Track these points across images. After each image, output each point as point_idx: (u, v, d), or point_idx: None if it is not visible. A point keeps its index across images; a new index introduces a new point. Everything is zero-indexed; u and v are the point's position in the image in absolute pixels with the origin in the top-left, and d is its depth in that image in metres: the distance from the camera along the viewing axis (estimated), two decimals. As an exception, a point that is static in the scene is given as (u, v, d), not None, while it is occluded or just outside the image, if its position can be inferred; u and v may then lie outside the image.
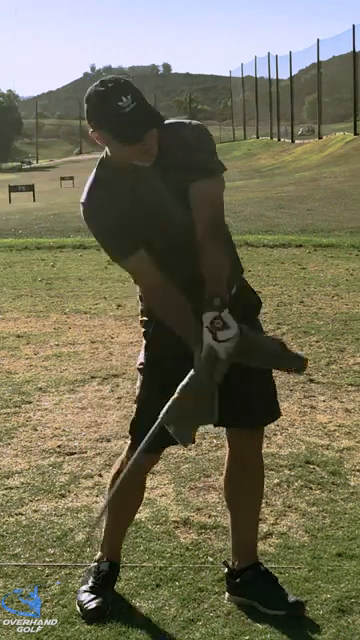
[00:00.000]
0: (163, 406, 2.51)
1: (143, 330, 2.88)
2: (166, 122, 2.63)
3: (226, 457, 3.00)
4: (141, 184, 2.63)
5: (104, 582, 2.94)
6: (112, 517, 3.01)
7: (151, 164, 2.58)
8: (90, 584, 2.94)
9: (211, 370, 2.58)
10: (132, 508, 3.06)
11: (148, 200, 2.64)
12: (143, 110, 2.46)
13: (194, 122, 2.70)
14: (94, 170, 2.70)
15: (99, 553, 3.04)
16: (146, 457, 2.73)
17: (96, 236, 2.71)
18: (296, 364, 2.65)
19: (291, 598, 2.83)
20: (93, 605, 2.84)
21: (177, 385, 2.54)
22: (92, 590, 2.91)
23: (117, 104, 2.44)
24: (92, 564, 3.03)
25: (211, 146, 2.68)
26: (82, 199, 2.68)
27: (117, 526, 3.03)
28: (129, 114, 2.44)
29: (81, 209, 2.68)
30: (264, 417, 2.93)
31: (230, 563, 2.99)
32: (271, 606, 2.83)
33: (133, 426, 2.87)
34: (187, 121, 2.69)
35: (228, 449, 2.97)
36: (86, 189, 2.69)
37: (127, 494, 2.89)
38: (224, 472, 3.03)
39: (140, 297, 2.87)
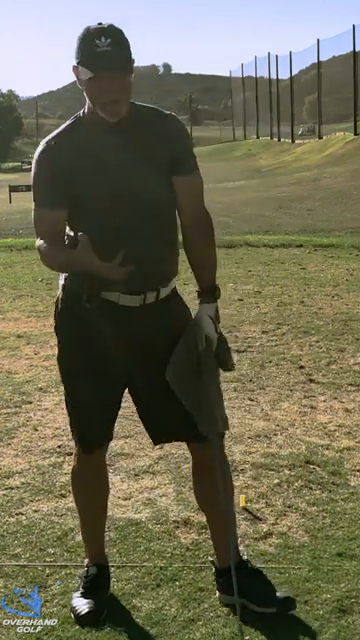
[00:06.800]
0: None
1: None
2: (139, 103, 2.74)
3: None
4: (110, 145, 2.66)
5: (94, 586, 2.92)
6: (85, 520, 3.03)
7: (123, 130, 2.64)
8: (81, 590, 2.93)
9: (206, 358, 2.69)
10: (103, 505, 3.05)
11: (111, 162, 2.66)
12: (117, 55, 2.52)
13: (173, 115, 2.79)
14: (70, 120, 2.74)
15: (87, 559, 3.05)
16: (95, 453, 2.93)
17: (36, 175, 2.70)
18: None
19: (281, 594, 2.83)
20: (85, 610, 2.82)
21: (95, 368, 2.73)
22: (83, 595, 2.90)
23: (95, 42, 2.51)
24: (83, 569, 3.03)
25: (191, 142, 2.84)
26: (48, 139, 2.71)
27: (93, 527, 3.04)
28: (102, 52, 2.51)
29: (41, 147, 2.70)
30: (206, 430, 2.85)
31: (216, 562, 2.99)
32: (261, 604, 2.81)
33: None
34: (167, 112, 2.77)
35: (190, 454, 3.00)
36: (57, 131, 2.73)
37: (92, 493, 2.97)
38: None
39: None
